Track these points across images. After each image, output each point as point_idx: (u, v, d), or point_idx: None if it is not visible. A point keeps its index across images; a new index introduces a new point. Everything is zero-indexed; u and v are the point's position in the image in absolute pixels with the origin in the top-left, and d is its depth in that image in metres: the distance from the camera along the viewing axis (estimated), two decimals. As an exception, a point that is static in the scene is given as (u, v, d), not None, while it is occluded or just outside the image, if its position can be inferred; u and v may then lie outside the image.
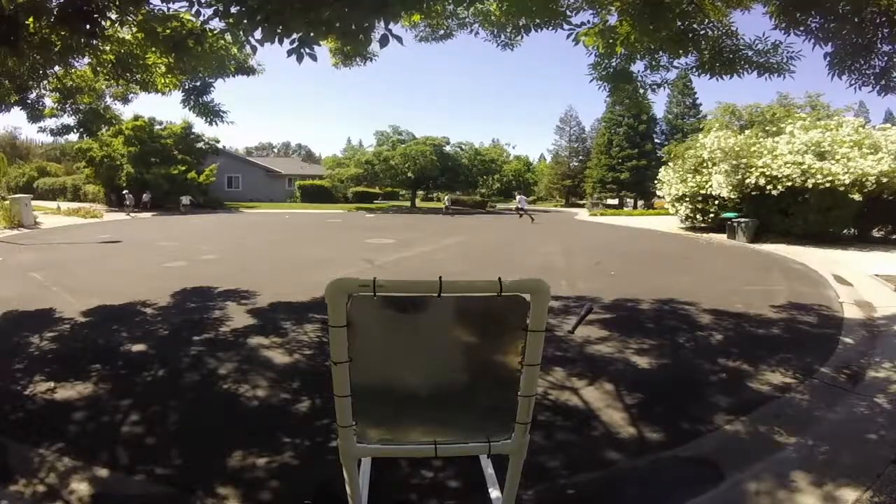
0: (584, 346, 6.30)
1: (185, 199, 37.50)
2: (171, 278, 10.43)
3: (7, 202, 23.95)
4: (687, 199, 24.00)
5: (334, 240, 19.56)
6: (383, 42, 4.70)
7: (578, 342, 6.45)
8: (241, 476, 3.48)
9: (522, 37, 7.22)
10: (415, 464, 3.54)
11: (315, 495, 3.33)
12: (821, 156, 18.25)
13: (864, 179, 16.94)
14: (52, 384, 5.01)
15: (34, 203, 26.58)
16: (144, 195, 37.24)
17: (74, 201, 42.13)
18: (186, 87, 8.86)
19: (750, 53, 6.56)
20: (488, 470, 3.25)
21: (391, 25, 4.68)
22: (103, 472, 3.53)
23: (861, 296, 9.42)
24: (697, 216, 23.89)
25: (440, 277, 2.05)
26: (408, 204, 50.78)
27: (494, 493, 3.06)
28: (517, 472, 2.52)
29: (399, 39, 4.74)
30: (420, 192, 53.95)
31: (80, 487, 3.34)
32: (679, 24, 6.43)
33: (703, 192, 22.73)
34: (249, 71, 9.00)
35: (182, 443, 3.95)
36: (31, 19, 5.48)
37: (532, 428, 2.41)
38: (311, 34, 4.51)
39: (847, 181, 17.01)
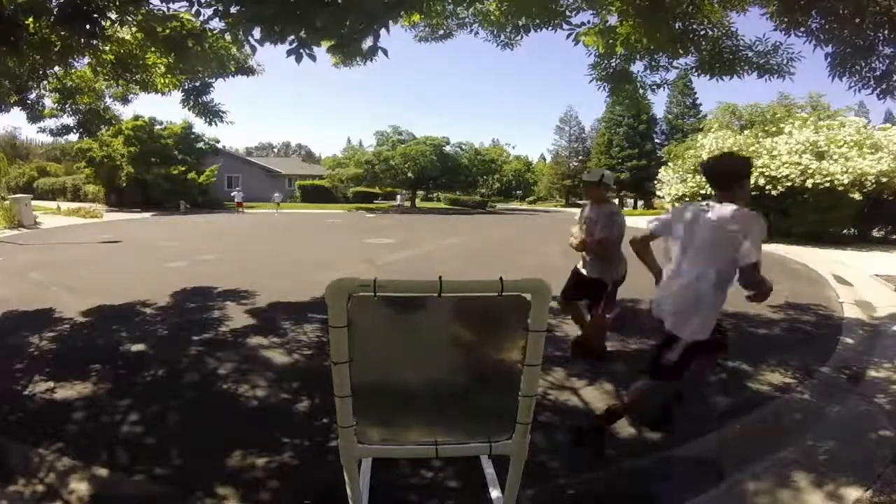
0: (584, 347, 6.29)
1: (278, 197, 39.12)
2: (171, 278, 10.43)
3: (7, 202, 23.94)
4: (687, 199, 23.95)
5: (334, 240, 19.55)
6: (371, 53, 4.73)
7: (578, 342, 6.44)
8: (240, 476, 3.49)
9: (522, 37, 7.22)
10: (415, 464, 3.55)
11: (315, 496, 3.33)
12: (819, 156, 18.25)
13: (863, 179, 16.95)
14: (51, 384, 5.01)
15: (34, 203, 26.57)
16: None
17: (74, 201, 42.09)
18: (186, 87, 8.86)
19: (750, 54, 6.56)
20: (489, 470, 3.25)
21: (390, 26, 4.68)
22: (103, 472, 3.54)
23: (861, 296, 9.41)
24: (697, 216, 23.82)
25: (440, 277, 2.04)
26: (407, 204, 50.73)
27: (495, 493, 3.06)
28: (518, 472, 2.52)
29: (385, 52, 4.77)
30: (420, 192, 53.90)
31: (80, 487, 3.34)
32: (678, 24, 6.44)
33: (703, 192, 22.68)
34: (249, 71, 9.00)
35: (181, 443, 3.95)
36: (30, 19, 5.49)
37: (532, 428, 2.41)
38: (307, 38, 4.52)
39: (846, 181, 17.02)
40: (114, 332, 6.80)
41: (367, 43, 4.84)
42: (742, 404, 4.69)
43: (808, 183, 17.56)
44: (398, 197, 32.37)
